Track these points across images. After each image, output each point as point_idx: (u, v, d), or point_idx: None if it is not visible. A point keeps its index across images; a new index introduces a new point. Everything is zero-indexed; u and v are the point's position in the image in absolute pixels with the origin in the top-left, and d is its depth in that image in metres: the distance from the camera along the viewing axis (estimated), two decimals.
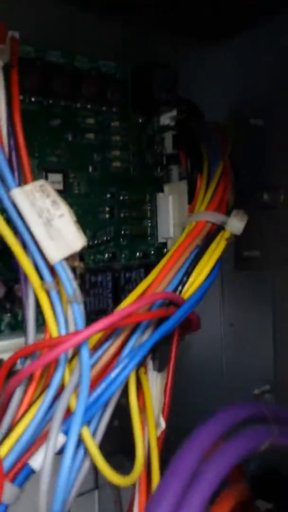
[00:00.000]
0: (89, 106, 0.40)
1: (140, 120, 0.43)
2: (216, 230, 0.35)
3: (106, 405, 0.29)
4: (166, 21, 0.45)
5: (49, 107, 0.38)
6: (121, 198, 0.42)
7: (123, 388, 0.30)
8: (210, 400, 0.51)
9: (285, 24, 0.43)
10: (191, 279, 0.32)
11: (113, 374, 0.28)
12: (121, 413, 0.31)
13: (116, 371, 0.28)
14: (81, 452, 0.28)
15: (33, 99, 0.37)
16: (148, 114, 0.43)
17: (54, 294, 0.29)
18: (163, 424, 0.32)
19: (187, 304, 0.30)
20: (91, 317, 0.39)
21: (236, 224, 0.35)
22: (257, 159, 0.45)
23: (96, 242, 0.41)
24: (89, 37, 0.43)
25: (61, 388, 0.28)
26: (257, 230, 0.42)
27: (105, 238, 0.41)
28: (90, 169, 0.40)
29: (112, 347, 0.30)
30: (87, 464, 0.28)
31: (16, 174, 0.31)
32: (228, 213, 0.36)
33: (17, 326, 0.37)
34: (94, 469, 0.28)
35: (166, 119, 0.43)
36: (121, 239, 0.42)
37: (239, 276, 0.48)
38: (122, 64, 0.42)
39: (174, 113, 0.43)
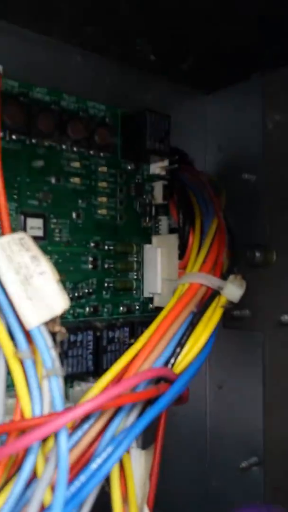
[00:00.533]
0: (75, 149, 0.37)
1: (129, 167, 0.40)
2: (211, 294, 0.32)
3: (84, 502, 0.24)
4: (160, 69, 0.43)
5: (32, 147, 0.35)
6: (106, 248, 0.39)
7: None
8: (191, 474, 0.46)
9: (276, 81, 0.42)
10: (184, 350, 0.29)
11: (94, 465, 0.24)
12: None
13: (98, 461, 0.24)
14: None
15: (14, 137, 0.34)
16: (138, 162, 0.41)
17: (29, 364, 0.25)
18: None
19: (181, 381, 0.27)
20: (67, 381, 0.35)
21: (233, 290, 0.32)
22: (249, 216, 0.43)
23: (76, 294, 0.37)
24: (78, 77, 0.41)
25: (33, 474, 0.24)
26: (248, 289, 0.39)
27: (86, 290, 0.37)
28: (74, 215, 0.37)
29: (93, 429, 0.25)
30: None
31: None
32: (222, 276, 0.33)
33: None
34: None
35: (156, 168, 0.41)
36: (104, 292, 0.39)
37: (227, 334, 0.44)
38: (112, 107, 0.40)
39: (165, 163, 0.41)
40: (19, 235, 0.26)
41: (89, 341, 0.34)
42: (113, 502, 0.26)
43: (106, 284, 0.39)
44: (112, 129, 0.38)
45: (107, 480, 0.27)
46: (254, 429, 0.42)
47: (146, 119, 0.38)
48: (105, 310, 0.39)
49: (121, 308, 0.40)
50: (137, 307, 0.40)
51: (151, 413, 0.25)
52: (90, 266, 0.38)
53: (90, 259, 0.38)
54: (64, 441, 0.23)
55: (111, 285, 0.39)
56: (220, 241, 0.35)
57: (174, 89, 0.47)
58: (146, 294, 0.41)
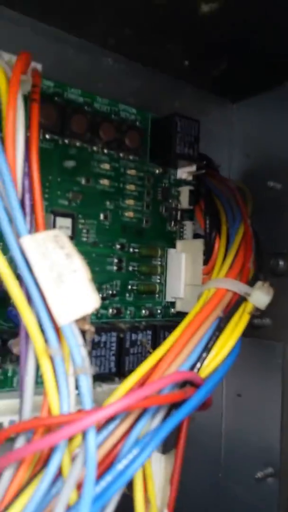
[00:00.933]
0: (105, 151, 0.38)
1: (157, 171, 0.41)
2: (237, 301, 0.32)
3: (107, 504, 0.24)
4: (189, 75, 0.43)
5: (64, 147, 0.35)
6: (131, 250, 0.39)
7: None
8: (206, 481, 0.46)
9: None
10: (211, 355, 0.29)
11: (120, 466, 0.24)
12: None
13: (124, 462, 0.24)
14: None
15: (48, 136, 0.35)
16: (166, 166, 0.41)
17: (59, 361, 0.25)
18: None
19: (207, 386, 0.27)
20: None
21: (261, 297, 0.31)
22: (274, 224, 0.43)
23: (100, 295, 0.37)
24: (111, 81, 0.41)
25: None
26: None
27: (110, 292, 0.38)
28: (101, 216, 0.37)
29: (118, 430, 0.25)
30: None
31: (28, 219, 0.27)
32: (249, 283, 0.33)
33: (6, 384, 0.33)
34: None
35: (183, 173, 0.41)
36: (127, 295, 0.39)
37: (246, 342, 0.44)
38: (143, 111, 0.40)
39: (193, 168, 0.41)
40: (54, 232, 0.26)
41: (112, 342, 0.34)
42: (136, 504, 0.26)
43: (129, 287, 0.39)
44: (142, 132, 0.39)
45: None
46: (271, 440, 0.41)
47: (176, 124, 0.38)
48: (128, 312, 0.39)
49: (143, 311, 0.40)
50: (159, 311, 0.40)
51: (178, 416, 0.25)
52: (115, 267, 0.38)
53: (115, 260, 0.38)
54: (92, 440, 0.23)
55: (134, 287, 0.39)
56: (247, 248, 0.35)
57: (201, 96, 0.47)
58: (169, 298, 0.41)
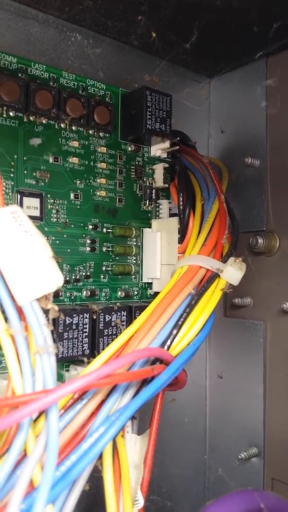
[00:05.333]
0: (74, 128, 0.36)
1: (129, 149, 0.39)
2: (210, 277, 0.31)
3: (75, 481, 0.23)
4: (163, 51, 0.42)
5: (30, 124, 0.34)
6: (105, 230, 0.38)
7: None
8: (190, 463, 0.45)
9: (279, 64, 0.41)
10: (182, 333, 0.28)
11: (86, 445, 0.23)
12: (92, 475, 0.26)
13: (90, 441, 0.23)
14: None
15: (11, 113, 0.33)
16: (138, 143, 0.40)
17: (21, 340, 0.24)
18: (141, 501, 0.27)
19: (177, 363, 0.26)
20: (63, 364, 0.34)
21: (233, 273, 0.31)
22: (253, 201, 0.42)
23: (73, 277, 0.36)
24: (79, 56, 0.40)
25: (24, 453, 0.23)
26: (250, 277, 0.38)
27: (84, 273, 0.37)
28: (72, 196, 0.36)
29: (85, 409, 0.25)
30: None
31: None
32: (222, 259, 0.32)
33: None
34: None
35: (157, 150, 0.40)
36: (102, 276, 0.38)
37: (228, 323, 0.44)
38: (113, 86, 0.39)
39: (166, 144, 0.39)
40: (12, 208, 0.25)
41: (85, 324, 0.33)
42: (104, 483, 0.25)
43: (104, 268, 0.38)
44: (112, 108, 0.37)
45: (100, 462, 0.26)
46: (255, 420, 0.41)
47: (146, 97, 0.37)
48: (103, 294, 0.38)
49: (119, 293, 0.39)
50: (135, 292, 0.40)
51: (146, 393, 0.24)
52: (88, 248, 0.37)
53: (88, 241, 0.37)
54: (54, 418, 0.22)
55: (109, 269, 0.38)
56: (221, 225, 0.34)
57: (176, 72, 0.46)
58: (145, 279, 0.40)
